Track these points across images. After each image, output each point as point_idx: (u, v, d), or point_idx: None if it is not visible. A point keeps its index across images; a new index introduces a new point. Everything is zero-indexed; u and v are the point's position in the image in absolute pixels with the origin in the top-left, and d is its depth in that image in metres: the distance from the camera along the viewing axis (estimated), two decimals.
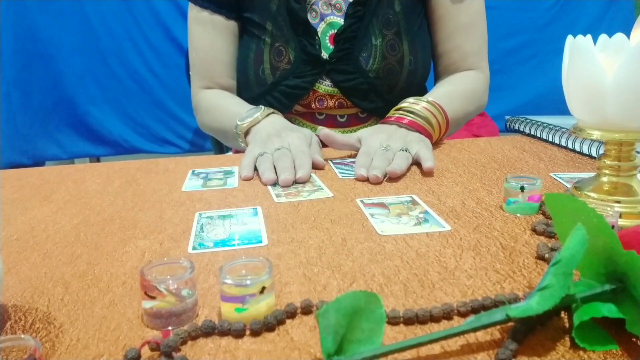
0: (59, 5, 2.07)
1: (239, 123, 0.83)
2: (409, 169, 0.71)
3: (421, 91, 1.00)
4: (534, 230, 0.50)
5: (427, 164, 0.69)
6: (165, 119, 2.22)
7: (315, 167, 0.74)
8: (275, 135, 0.77)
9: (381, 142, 0.75)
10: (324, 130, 0.78)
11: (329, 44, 0.93)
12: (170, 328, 0.35)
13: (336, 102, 0.95)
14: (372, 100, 0.95)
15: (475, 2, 0.96)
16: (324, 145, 0.81)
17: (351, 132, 0.96)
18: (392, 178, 0.67)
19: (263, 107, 0.85)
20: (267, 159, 0.72)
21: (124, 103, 2.19)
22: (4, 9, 2.00)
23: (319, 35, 0.93)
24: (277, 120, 0.84)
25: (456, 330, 0.31)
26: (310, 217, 0.55)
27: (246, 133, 0.83)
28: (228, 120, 0.89)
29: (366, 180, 0.67)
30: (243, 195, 0.64)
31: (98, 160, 2.29)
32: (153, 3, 2.11)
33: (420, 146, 0.74)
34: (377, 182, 0.66)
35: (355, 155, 0.79)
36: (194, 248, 0.49)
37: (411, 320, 0.35)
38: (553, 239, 0.48)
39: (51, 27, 2.08)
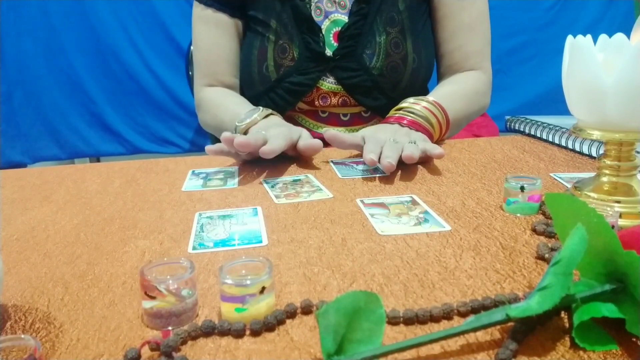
0: (60, 5, 2.07)
1: (237, 125, 0.83)
2: (418, 162, 0.71)
3: (424, 91, 1.00)
4: (534, 230, 0.50)
5: (435, 151, 0.70)
6: (165, 119, 2.21)
7: (304, 152, 0.75)
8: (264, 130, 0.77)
9: (387, 137, 0.74)
10: (329, 131, 0.76)
11: (332, 42, 0.93)
12: (170, 328, 0.35)
13: (340, 100, 0.95)
14: (376, 98, 0.95)
15: (478, 3, 0.96)
16: (326, 145, 0.81)
17: (354, 131, 0.96)
18: (389, 176, 0.68)
19: (262, 108, 0.85)
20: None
21: (124, 103, 2.19)
22: (4, 9, 2.00)
23: (323, 33, 0.93)
24: (274, 120, 0.84)
25: (456, 330, 0.31)
26: (310, 217, 0.55)
27: (245, 134, 0.83)
28: (228, 121, 0.89)
29: (375, 166, 0.67)
30: (243, 196, 0.64)
31: (98, 160, 2.28)
32: (153, 3, 2.11)
33: (425, 142, 0.75)
34: (391, 171, 0.66)
35: (357, 155, 0.79)
36: (194, 248, 0.49)
37: (411, 320, 0.35)
38: (553, 239, 0.47)
39: (52, 27, 2.08)
